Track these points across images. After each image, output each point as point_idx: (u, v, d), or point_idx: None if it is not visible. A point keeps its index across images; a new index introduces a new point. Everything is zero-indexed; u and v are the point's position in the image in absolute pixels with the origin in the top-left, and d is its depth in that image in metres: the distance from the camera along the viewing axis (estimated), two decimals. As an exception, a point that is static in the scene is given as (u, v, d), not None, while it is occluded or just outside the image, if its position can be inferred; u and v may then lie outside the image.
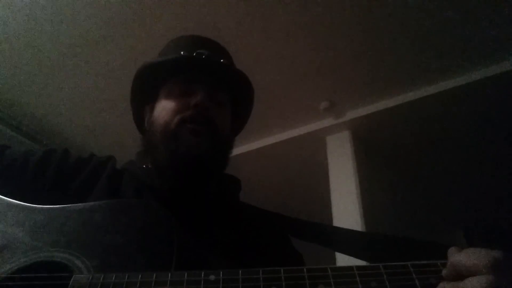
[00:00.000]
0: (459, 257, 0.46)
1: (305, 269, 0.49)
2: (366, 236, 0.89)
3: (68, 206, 0.63)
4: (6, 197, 0.66)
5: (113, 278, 0.50)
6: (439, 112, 2.65)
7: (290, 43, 2.33)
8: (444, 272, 0.47)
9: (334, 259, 1.91)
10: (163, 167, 0.77)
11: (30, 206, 0.64)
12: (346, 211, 2.42)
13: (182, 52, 0.82)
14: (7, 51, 2.38)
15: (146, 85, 0.87)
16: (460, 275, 0.45)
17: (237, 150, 0.92)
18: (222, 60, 0.84)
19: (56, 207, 0.63)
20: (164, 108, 0.81)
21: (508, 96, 2.43)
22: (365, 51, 2.35)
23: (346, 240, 0.77)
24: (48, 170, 0.76)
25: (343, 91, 2.63)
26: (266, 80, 2.45)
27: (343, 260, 0.65)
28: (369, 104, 2.72)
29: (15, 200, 0.65)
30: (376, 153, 2.99)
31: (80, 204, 0.64)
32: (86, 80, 2.59)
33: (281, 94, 2.62)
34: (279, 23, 2.21)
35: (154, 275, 0.50)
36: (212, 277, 0.49)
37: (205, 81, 0.82)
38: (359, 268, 0.48)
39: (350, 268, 0.48)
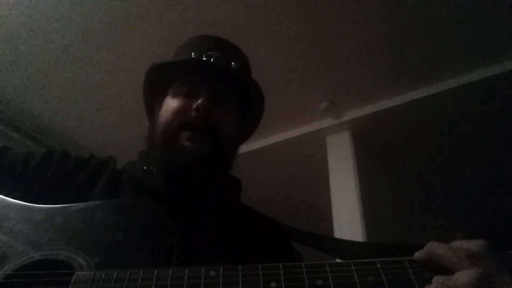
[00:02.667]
0: (435, 248, 0.49)
1: (303, 265, 0.49)
2: (365, 245, 0.91)
3: (69, 206, 0.64)
4: (7, 197, 0.66)
5: (115, 274, 0.50)
6: (439, 112, 2.65)
7: (290, 44, 2.33)
8: (417, 255, 0.50)
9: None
10: (158, 169, 0.78)
11: (31, 205, 0.64)
12: (346, 211, 2.42)
13: (193, 54, 0.83)
14: (7, 52, 2.39)
15: (156, 84, 0.88)
16: (441, 267, 0.47)
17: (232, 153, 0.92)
18: (232, 64, 0.84)
19: (57, 207, 0.64)
20: (167, 109, 0.82)
21: (508, 96, 2.43)
22: (365, 51, 2.35)
23: (345, 248, 0.78)
24: (48, 171, 0.76)
25: (343, 91, 2.64)
26: (266, 80, 2.42)
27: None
28: (369, 104, 2.72)
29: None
30: (376, 153, 2.99)
31: (81, 203, 0.64)
32: (86, 80, 2.59)
33: (281, 94, 2.62)
34: (279, 24, 2.22)
35: (155, 271, 0.50)
36: (212, 273, 0.49)
37: (210, 84, 0.82)
38: (356, 263, 0.49)
39: (347, 263, 0.49)
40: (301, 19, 2.19)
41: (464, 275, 0.44)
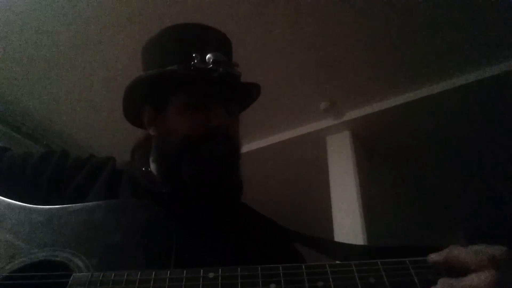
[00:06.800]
0: (460, 253, 0.46)
1: (303, 266, 0.49)
2: (367, 249, 0.91)
3: (67, 206, 0.64)
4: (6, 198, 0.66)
5: (112, 276, 0.50)
6: (439, 112, 2.65)
7: (290, 43, 2.33)
8: (433, 257, 0.48)
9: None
10: (187, 184, 0.76)
11: (29, 206, 0.64)
12: (346, 211, 2.42)
13: (194, 55, 0.79)
14: (7, 51, 2.39)
15: (151, 89, 0.84)
16: (453, 270, 0.46)
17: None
18: (233, 64, 0.83)
19: (55, 207, 0.64)
20: (181, 121, 0.79)
21: (508, 96, 2.43)
22: (365, 51, 2.35)
23: (346, 251, 0.77)
24: (46, 172, 0.76)
25: (343, 91, 2.64)
26: (266, 80, 2.44)
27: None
28: (369, 104, 2.72)
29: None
30: (376, 153, 2.99)
31: (79, 204, 0.64)
32: (86, 80, 2.59)
33: (281, 94, 2.62)
34: (279, 23, 2.22)
35: (153, 273, 0.50)
36: (211, 275, 0.49)
37: (221, 95, 0.81)
38: (357, 264, 0.49)
39: (348, 264, 0.48)
40: (301, 19, 2.19)
41: (477, 278, 0.42)
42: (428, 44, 2.28)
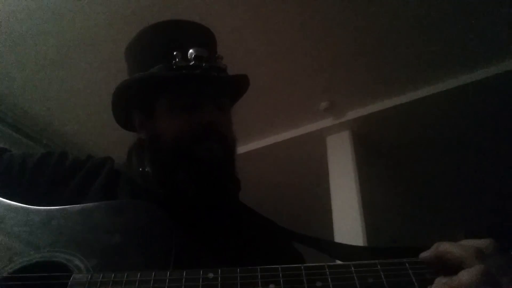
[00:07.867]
0: (446, 247, 0.47)
1: (302, 267, 0.49)
2: (366, 249, 0.90)
3: (67, 207, 0.64)
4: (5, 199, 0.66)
5: (112, 277, 0.50)
6: (439, 112, 2.65)
7: (290, 43, 2.33)
8: (423, 254, 0.48)
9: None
10: (185, 187, 0.76)
11: (29, 207, 0.64)
12: (346, 211, 2.42)
13: (175, 53, 0.77)
14: (7, 51, 2.39)
15: (136, 94, 0.82)
16: (449, 267, 0.46)
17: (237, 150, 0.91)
18: (217, 57, 0.82)
19: (54, 208, 0.64)
20: (170, 124, 0.78)
21: (508, 96, 2.43)
22: (365, 51, 2.35)
23: (345, 250, 0.77)
24: (45, 173, 0.76)
25: (343, 91, 2.64)
26: (266, 80, 2.45)
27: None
28: (369, 104, 2.72)
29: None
30: (376, 153, 3.00)
31: (79, 205, 0.64)
32: (86, 80, 2.59)
33: (281, 94, 2.62)
34: (279, 23, 2.22)
35: (153, 273, 0.50)
36: (210, 275, 0.49)
37: (208, 91, 0.80)
38: (356, 265, 0.49)
39: (347, 265, 0.49)
40: (301, 19, 2.19)
41: (467, 273, 0.43)
42: (428, 44, 2.29)
